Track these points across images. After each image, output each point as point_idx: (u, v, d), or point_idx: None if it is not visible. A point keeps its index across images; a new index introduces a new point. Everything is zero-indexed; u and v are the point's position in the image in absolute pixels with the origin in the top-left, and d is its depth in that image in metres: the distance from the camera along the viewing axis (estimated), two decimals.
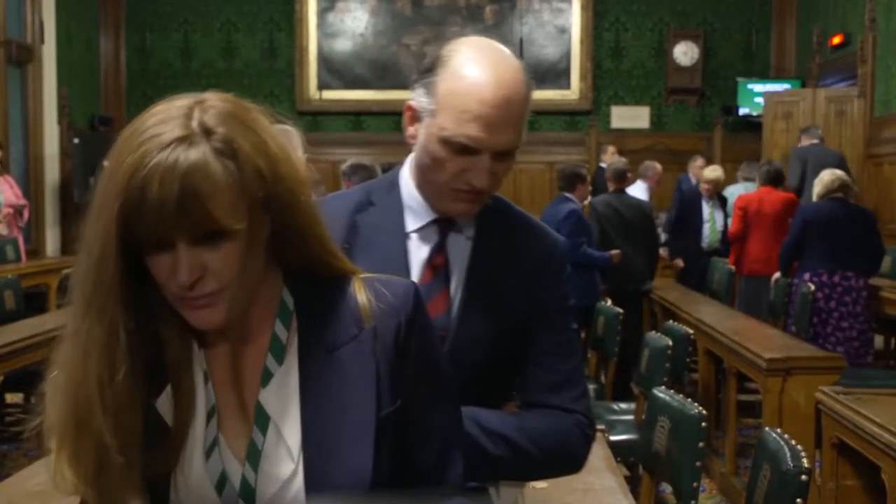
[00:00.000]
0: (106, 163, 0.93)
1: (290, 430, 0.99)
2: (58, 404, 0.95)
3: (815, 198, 5.57)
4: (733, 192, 7.47)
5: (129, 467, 0.95)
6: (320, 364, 1.01)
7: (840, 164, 6.76)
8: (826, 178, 5.49)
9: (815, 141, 7.37)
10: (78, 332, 0.95)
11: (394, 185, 1.45)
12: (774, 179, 6.34)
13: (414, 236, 1.42)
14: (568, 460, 1.44)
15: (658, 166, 7.86)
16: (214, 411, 1.00)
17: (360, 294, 1.03)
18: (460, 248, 1.42)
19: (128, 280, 0.93)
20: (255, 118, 0.97)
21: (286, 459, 0.99)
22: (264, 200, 0.94)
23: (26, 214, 7.59)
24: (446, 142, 1.31)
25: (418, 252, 1.41)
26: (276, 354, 1.01)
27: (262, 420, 1.00)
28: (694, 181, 8.43)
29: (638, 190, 7.37)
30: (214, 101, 0.94)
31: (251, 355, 1.02)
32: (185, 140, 0.89)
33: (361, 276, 1.07)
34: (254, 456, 0.99)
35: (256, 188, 0.93)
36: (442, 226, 1.41)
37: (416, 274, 1.39)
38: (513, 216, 1.47)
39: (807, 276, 5.40)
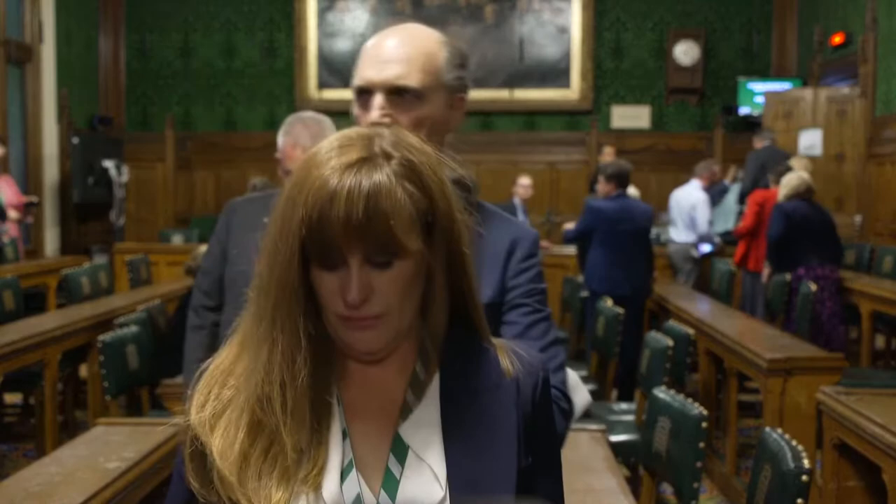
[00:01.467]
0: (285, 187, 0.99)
1: (434, 461, 0.99)
2: (234, 417, 0.99)
3: (781, 199, 5.85)
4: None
5: (294, 465, 0.97)
6: (463, 405, 1.02)
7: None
8: (794, 181, 5.80)
9: (768, 143, 7.64)
10: (262, 342, 0.99)
11: None
12: None
13: None
14: None
15: (714, 166, 7.83)
16: (346, 435, 1.01)
17: (500, 353, 1.06)
18: None
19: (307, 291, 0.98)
20: (430, 154, 1.01)
21: (433, 485, 0.98)
22: (432, 236, 0.97)
23: (30, 218, 7.60)
24: (355, 95, 1.39)
25: None
26: (416, 391, 1.02)
27: (400, 450, 1.00)
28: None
29: (693, 188, 7.38)
30: (390, 133, 1.00)
31: (386, 392, 1.02)
32: (369, 161, 0.94)
33: (498, 341, 1.09)
34: (390, 484, 0.99)
35: (428, 216, 0.97)
36: None
37: None
38: (483, 209, 1.48)
39: (801, 270, 5.64)
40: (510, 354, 1.05)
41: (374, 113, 1.35)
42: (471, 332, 1.06)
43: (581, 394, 1.62)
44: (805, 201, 5.77)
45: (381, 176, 0.93)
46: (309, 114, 2.66)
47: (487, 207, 1.52)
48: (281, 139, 2.56)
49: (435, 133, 1.39)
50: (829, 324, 5.57)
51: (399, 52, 1.38)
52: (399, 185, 0.94)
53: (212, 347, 2.22)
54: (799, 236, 5.68)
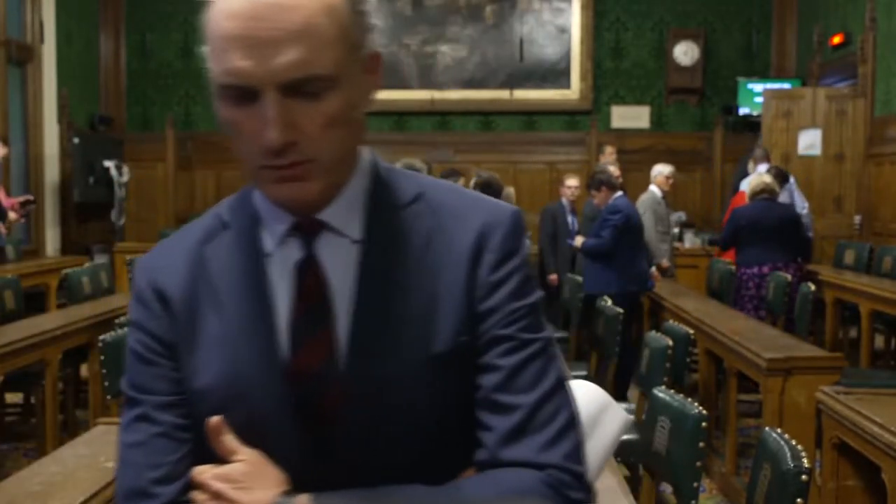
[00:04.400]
0: None
1: None
2: None
3: (746, 200, 6.28)
4: None
5: None
6: None
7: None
8: (752, 183, 6.21)
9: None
10: None
11: (248, 193, 1.02)
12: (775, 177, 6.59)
13: (276, 256, 0.98)
14: None
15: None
16: None
17: None
18: (343, 258, 0.97)
19: None
20: None
21: None
22: None
23: (23, 219, 7.58)
24: (219, 91, 0.93)
25: (283, 278, 0.97)
26: None
27: None
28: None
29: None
30: None
31: None
32: None
33: None
34: None
35: None
36: (306, 230, 0.97)
37: (284, 311, 0.97)
38: (430, 195, 1.01)
39: (756, 269, 5.96)
40: None
41: (272, 128, 0.88)
42: None
43: (608, 424, 1.13)
44: (763, 202, 6.01)
45: None
46: None
47: (432, 189, 1.02)
48: None
49: (354, 125, 0.95)
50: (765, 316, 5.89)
51: (285, 22, 0.87)
52: None
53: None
54: (749, 238, 5.97)
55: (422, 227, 0.98)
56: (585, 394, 1.11)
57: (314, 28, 0.88)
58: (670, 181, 6.87)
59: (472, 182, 5.29)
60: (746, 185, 6.98)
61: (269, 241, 0.98)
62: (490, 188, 5.03)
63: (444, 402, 0.96)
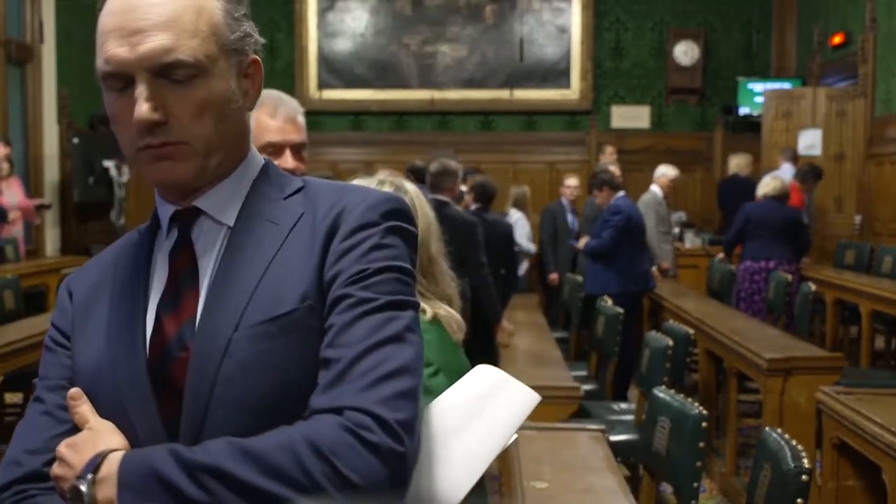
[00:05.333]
0: None
1: None
2: None
3: (758, 197, 6.41)
4: None
5: None
6: None
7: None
8: (773, 182, 6.32)
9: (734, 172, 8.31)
10: None
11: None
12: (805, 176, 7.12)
13: (164, 248, 1.08)
14: (325, 481, 0.87)
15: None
16: None
17: None
18: (214, 242, 1.06)
19: None
20: None
21: None
22: None
23: (37, 220, 7.62)
24: (104, 84, 1.03)
25: (164, 268, 1.07)
26: None
27: None
28: None
29: (786, 171, 7.41)
30: None
31: None
32: None
33: None
34: None
35: None
36: (184, 217, 1.07)
37: (156, 292, 1.05)
38: (311, 188, 1.10)
39: (764, 263, 6.10)
40: None
41: (142, 106, 0.98)
42: None
43: (505, 401, 1.07)
44: (775, 201, 6.14)
45: None
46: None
47: (312, 183, 1.11)
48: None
49: (226, 117, 1.04)
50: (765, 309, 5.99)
51: (151, 14, 0.99)
52: None
53: None
54: (756, 233, 6.12)
55: (294, 212, 1.06)
56: (480, 374, 1.10)
57: (180, 20, 1.00)
58: (672, 184, 6.88)
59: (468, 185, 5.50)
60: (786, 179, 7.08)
61: (162, 238, 1.09)
62: (484, 189, 5.39)
63: (287, 367, 0.98)
